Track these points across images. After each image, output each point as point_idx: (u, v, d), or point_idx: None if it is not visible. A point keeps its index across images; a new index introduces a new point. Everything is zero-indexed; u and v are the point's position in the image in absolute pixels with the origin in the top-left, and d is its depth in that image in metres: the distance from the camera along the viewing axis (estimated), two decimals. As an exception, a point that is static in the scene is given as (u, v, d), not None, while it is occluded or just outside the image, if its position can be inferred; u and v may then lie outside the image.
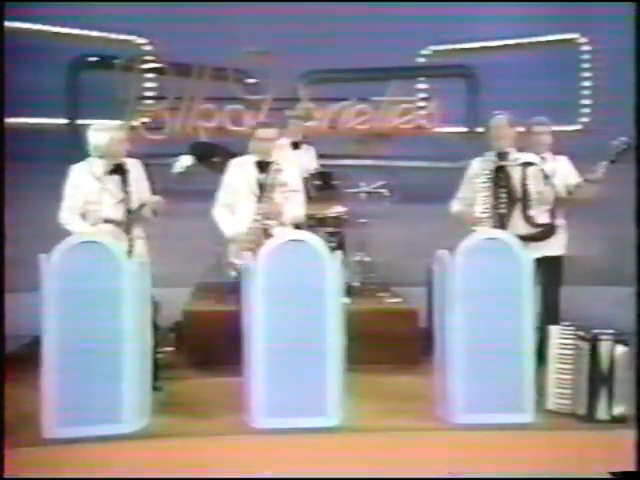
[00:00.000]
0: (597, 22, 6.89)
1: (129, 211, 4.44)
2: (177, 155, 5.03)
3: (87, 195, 4.46)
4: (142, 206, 4.46)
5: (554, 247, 4.82)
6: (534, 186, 4.56)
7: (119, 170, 4.50)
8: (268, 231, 4.67)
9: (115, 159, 4.50)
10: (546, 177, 4.59)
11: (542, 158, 4.94)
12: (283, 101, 6.91)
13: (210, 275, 6.09)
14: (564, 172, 4.93)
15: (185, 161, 4.59)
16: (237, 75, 7.10)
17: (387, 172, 6.68)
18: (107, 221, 4.42)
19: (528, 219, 4.55)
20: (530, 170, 4.57)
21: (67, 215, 4.45)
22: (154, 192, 4.53)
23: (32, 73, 6.41)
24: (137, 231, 4.53)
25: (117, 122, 4.76)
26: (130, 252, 4.30)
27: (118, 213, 4.44)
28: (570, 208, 4.90)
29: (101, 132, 4.55)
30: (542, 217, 4.60)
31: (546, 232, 4.60)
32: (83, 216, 4.47)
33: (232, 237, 4.78)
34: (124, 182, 4.48)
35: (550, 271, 4.78)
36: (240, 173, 4.87)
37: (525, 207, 4.56)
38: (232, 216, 4.83)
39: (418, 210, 6.57)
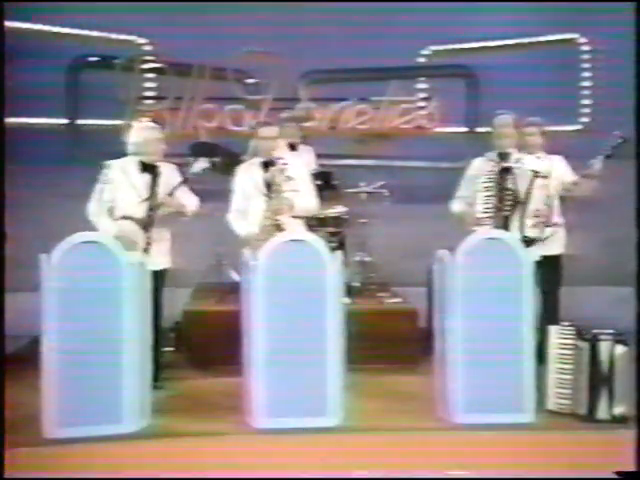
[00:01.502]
0: (597, 22, 6.89)
1: (150, 209, 4.50)
2: (177, 155, 5.05)
3: (116, 191, 4.52)
4: (160, 204, 4.51)
5: (553, 247, 4.82)
6: (538, 198, 4.53)
7: (151, 170, 4.57)
8: (280, 227, 4.68)
9: (149, 158, 4.58)
10: (548, 190, 4.55)
11: (537, 157, 4.94)
12: (283, 101, 6.92)
13: (211, 275, 6.10)
14: (559, 171, 4.91)
15: (202, 163, 4.64)
16: (237, 75, 7.10)
17: (387, 172, 6.68)
18: (127, 218, 4.47)
19: (521, 225, 4.51)
20: (538, 182, 4.53)
21: (94, 209, 4.51)
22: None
23: (32, 73, 6.41)
24: (161, 232, 4.58)
25: (154, 123, 4.83)
26: (146, 251, 4.36)
27: (140, 211, 4.50)
28: (569, 206, 4.89)
29: (138, 131, 4.65)
30: (533, 230, 4.56)
31: (528, 243, 4.54)
32: (111, 211, 4.53)
33: (245, 238, 4.78)
34: (154, 182, 4.55)
35: (549, 271, 4.77)
36: (247, 176, 4.88)
37: (522, 215, 4.53)
38: (244, 219, 4.84)
39: (418, 210, 6.58)
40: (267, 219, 4.73)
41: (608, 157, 4.56)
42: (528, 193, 4.52)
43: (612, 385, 3.99)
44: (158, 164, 4.63)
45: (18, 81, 5.66)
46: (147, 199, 4.52)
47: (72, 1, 6.75)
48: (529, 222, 4.51)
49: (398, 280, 6.20)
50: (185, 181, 4.61)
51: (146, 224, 4.49)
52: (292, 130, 6.01)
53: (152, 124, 4.83)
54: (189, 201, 4.65)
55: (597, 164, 4.60)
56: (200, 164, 4.66)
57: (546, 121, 5.14)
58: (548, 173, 4.83)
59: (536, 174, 4.54)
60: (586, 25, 7.05)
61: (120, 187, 4.54)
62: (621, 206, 5.21)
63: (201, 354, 5.21)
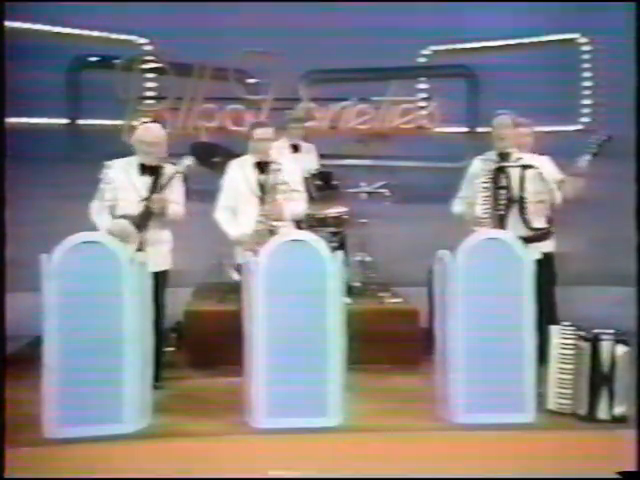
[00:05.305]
0: (597, 22, 6.89)
1: (144, 209, 4.46)
2: (178, 155, 5.03)
3: (117, 191, 4.50)
4: (150, 205, 4.47)
5: (543, 245, 4.78)
6: (532, 189, 4.55)
7: (152, 171, 4.54)
8: (274, 232, 4.66)
9: (150, 159, 4.54)
10: (543, 180, 4.57)
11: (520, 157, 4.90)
12: (284, 101, 6.91)
13: (211, 275, 6.10)
14: (546, 171, 4.87)
15: (186, 161, 4.60)
16: (238, 75, 7.10)
17: (387, 172, 6.68)
18: (124, 217, 4.45)
19: (525, 221, 4.54)
20: (529, 172, 4.56)
21: (95, 208, 4.51)
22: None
23: (32, 73, 6.41)
24: (160, 234, 4.56)
25: (159, 123, 4.80)
26: (139, 251, 4.32)
27: (137, 210, 4.48)
28: (560, 206, 4.87)
29: (144, 131, 4.61)
30: (539, 221, 4.59)
31: (542, 235, 4.58)
32: (112, 210, 4.50)
33: (237, 239, 4.77)
34: (154, 184, 4.52)
35: (543, 270, 4.76)
36: (240, 174, 4.86)
37: (522, 209, 4.55)
38: (234, 218, 4.83)
39: (418, 210, 6.58)
40: (260, 223, 4.70)
41: (594, 155, 4.53)
42: (522, 188, 4.53)
43: (612, 385, 3.99)
44: (162, 165, 4.58)
45: (18, 81, 5.65)
46: (144, 199, 4.49)
47: (72, 1, 6.75)
48: (532, 215, 4.52)
49: (398, 280, 6.20)
50: (169, 181, 4.54)
51: (140, 224, 4.44)
52: (297, 131, 6.01)
53: (155, 125, 4.78)
54: (172, 208, 4.57)
55: (583, 163, 4.56)
56: (184, 162, 4.60)
57: (543, 121, 5.10)
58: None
59: (526, 166, 4.55)
60: (586, 25, 7.06)
61: (121, 187, 4.52)
62: (620, 205, 5.20)
63: (202, 354, 5.21)
